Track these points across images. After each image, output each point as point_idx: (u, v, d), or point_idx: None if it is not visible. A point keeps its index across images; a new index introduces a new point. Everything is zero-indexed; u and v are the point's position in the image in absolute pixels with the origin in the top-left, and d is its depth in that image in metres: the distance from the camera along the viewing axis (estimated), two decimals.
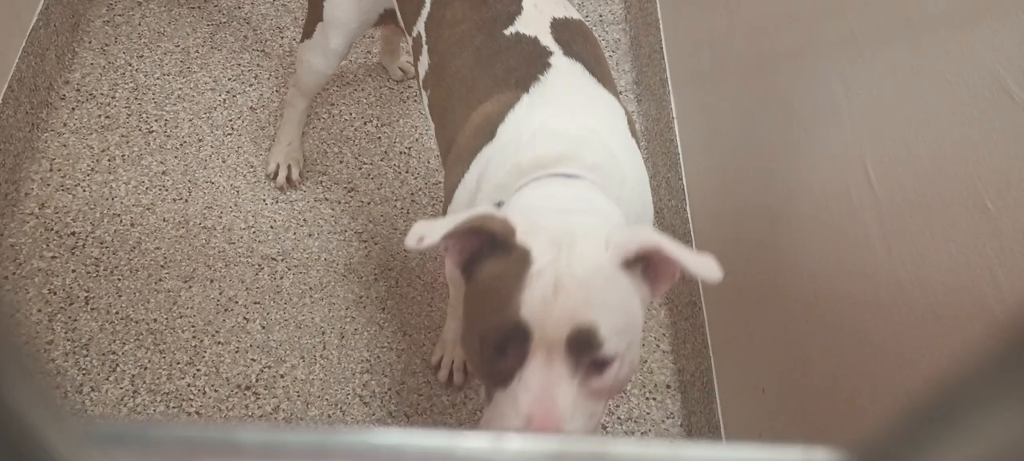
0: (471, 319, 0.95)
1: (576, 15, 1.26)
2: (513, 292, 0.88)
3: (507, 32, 1.18)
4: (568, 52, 1.17)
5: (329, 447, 0.28)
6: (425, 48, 1.28)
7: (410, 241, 0.91)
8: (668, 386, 1.64)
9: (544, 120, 1.09)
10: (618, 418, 1.59)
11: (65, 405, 0.24)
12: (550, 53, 1.16)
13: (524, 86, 1.12)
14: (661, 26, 1.94)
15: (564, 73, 1.15)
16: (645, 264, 0.93)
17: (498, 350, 0.88)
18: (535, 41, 1.17)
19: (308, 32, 1.58)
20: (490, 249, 0.92)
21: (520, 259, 0.90)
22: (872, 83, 1.09)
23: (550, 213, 0.95)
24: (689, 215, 1.68)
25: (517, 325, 0.86)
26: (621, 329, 0.88)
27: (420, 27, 1.30)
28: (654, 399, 1.62)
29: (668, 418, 1.60)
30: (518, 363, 0.87)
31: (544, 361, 0.86)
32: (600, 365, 0.87)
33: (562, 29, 1.20)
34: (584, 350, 0.86)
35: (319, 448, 0.27)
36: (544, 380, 0.86)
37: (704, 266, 0.89)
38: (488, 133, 1.11)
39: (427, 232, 0.90)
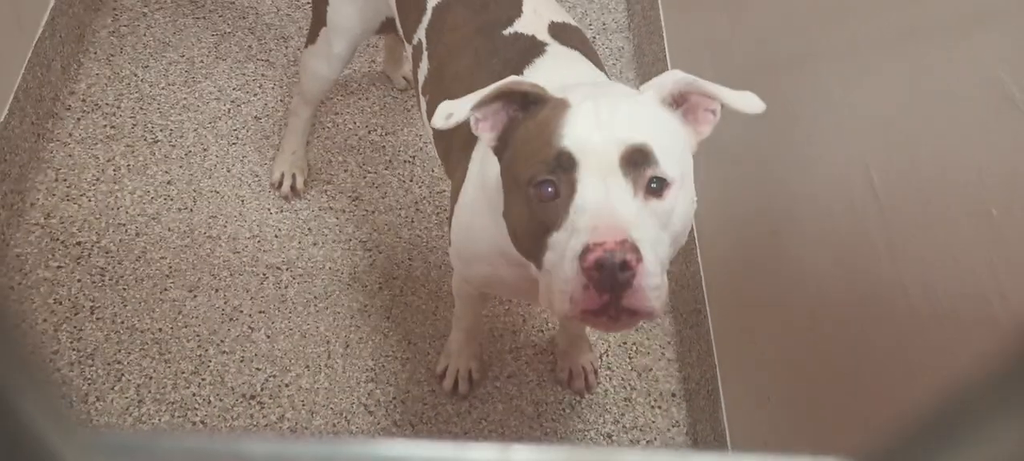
0: (513, 178, 0.90)
1: (574, 23, 1.27)
2: (554, 129, 0.84)
3: (505, 33, 1.19)
4: (565, 44, 1.18)
5: (335, 458, 0.28)
6: (425, 55, 1.29)
7: (438, 120, 0.89)
8: (673, 394, 1.63)
9: (539, 81, 1.09)
10: (623, 427, 1.59)
11: (72, 415, 0.24)
12: (546, 44, 1.17)
13: (518, 70, 1.12)
14: (665, 34, 1.94)
15: (560, 56, 1.15)
16: (685, 108, 0.91)
17: (544, 192, 0.84)
18: (532, 38, 1.18)
19: (312, 38, 1.59)
20: (524, 117, 0.90)
21: (557, 105, 0.87)
22: (875, 89, 1.09)
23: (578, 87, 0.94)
24: (692, 222, 1.68)
25: (560, 154, 0.83)
26: (671, 152, 0.85)
27: (421, 35, 1.30)
28: (659, 407, 1.62)
29: (673, 426, 1.60)
30: (569, 196, 0.82)
31: (599, 182, 0.82)
32: (658, 190, 0.83)
33: (560, 31, 1.21)
34: (639, 165, 0.82)
35: (325, 459, 0.27)
36: (601, 194, 0.81)
37: (745, 100, 0.88)
38: None
39: (455, 109, 0.88)
